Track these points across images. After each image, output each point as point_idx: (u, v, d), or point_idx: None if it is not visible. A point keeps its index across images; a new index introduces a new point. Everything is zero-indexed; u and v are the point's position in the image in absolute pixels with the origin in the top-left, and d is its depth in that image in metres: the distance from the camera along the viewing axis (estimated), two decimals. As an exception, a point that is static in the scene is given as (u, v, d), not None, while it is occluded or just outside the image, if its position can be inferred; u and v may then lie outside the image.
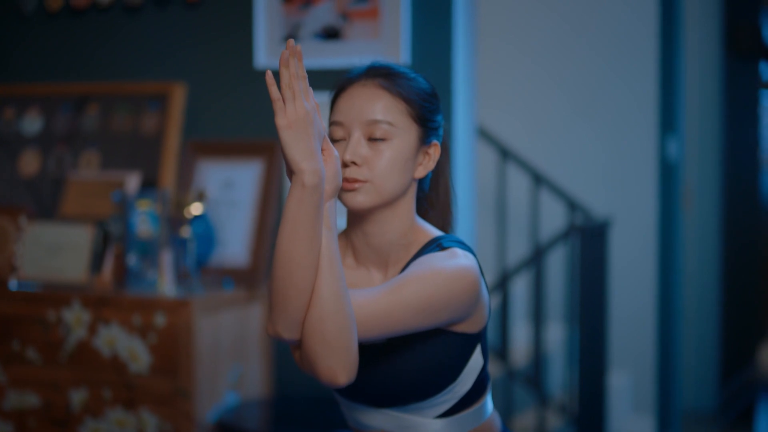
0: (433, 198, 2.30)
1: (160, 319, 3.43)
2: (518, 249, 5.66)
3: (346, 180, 2.09)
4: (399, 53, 3.63)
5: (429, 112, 2.17)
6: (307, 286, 1.91)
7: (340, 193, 2.10)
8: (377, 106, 2.11)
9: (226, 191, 3.88)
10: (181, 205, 3.67)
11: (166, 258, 3.61)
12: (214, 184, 3.89)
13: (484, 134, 5.07)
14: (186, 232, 3.62)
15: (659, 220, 5.50)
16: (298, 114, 1.89)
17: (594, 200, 5.50)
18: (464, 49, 3.73)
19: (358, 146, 2.09)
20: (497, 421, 2.30)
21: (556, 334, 5.54)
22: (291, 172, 1.90)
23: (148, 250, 3.64)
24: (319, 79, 3.77)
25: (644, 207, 5.50)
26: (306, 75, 1.92)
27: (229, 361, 3.63)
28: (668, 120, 5.60)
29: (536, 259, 4.64)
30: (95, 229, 3.71)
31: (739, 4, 7.00)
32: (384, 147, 2.10)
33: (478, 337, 2.16)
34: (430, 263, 2.04)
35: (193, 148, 3.96)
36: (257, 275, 3.77)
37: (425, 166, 2.18)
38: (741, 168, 7.28)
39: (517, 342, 5.48)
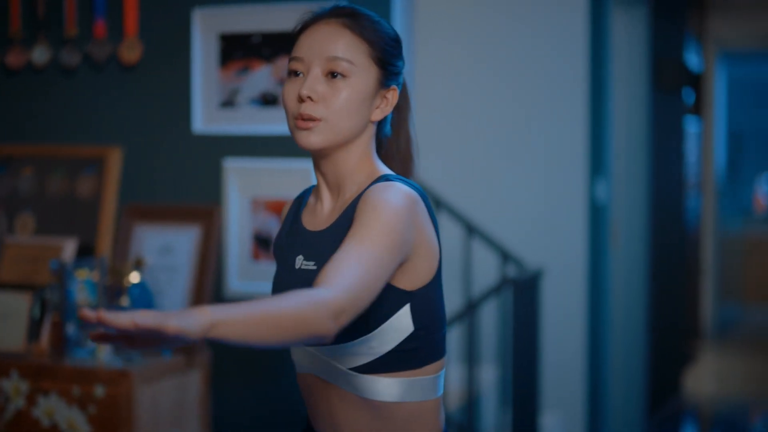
0: (394, 145, 2.29)
1: (99, 390, 3.43)
2: (451, 298, 5.68)
3: (300, 117, 2.07)
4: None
5: (390, 56, 2.15)
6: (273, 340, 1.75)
7: (294, 131, 2.11)
8: (339, 44, 2.09)
9: (164, 256, 3.88)
10: (119, 273, 3.67)
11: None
12: (152, 249, 3.89)
13: (416, 183, 5.08)
14: (124, 301, 3.62)
15: (589, 263, 5.58)
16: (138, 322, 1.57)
17: (526, 247, 5.56)
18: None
19: (315, 82, 2.07)
20: (440, 419, 2.18)
21: (488, 375, 5.59)
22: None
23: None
24: (255, 145, 3.82)
25: (574, 251, 5.57)
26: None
27: (168, 428, 3.63)
28: (597, 162, 5.68)
29: (469, 312, 4.69)
30: (33, 297, 3.69)
31: (664, 39, 7.12)
32: (342, 85, 2.08)
33: (410, 297, 2.06)
34: (372, 201, 2.00)
35: (130, 213, 3.95)
36: (195, 342, 3.76)
37: (382, 110, 2.16)
38: (667, 198, 7.40)
39: (449, 383, 5.52)
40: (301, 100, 2.08)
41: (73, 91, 4.06)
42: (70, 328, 3.64)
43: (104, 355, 3.59)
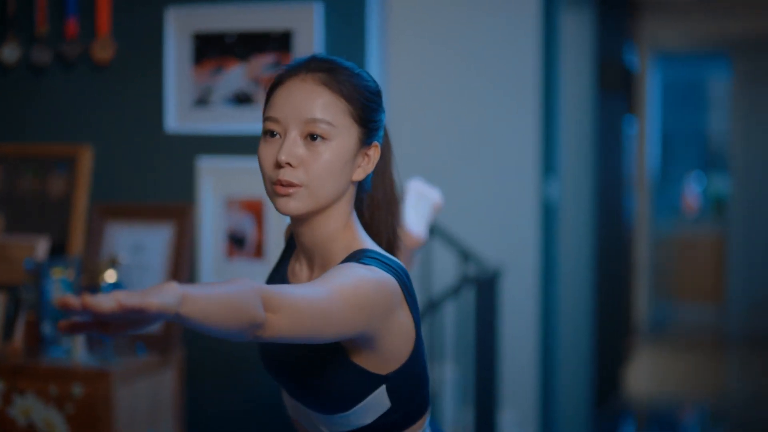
0: (377, 198, 2.20)
1: (77, 390, 3.42)
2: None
3: (279, 183, 1.98)
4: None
5: (371, 112, 2.05)
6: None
7: (272, 196, 2.01)
8: (316, 104, 1.99)
9: (137, 255, 3.88)
10: (95, 272, 3.67)
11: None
12: (124, 248, 3.88)
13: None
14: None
15: (542, 262, 5.64)
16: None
17: (481, 246, 5.61)
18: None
19: (294, 146, 1.97)
20: None
21: (447, 374, 5.63)
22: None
23: (62, 318, 3.62)
24: (229, 144, 3.82)
25: (527, 250, 5.63)
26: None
27: (144, 427, 3.63)
28: (549, 161, 5.75)
29: (430, 311, 4.73)
30: (7, 297, 3.67)
31: (607, 41, 7.23)
32: (322, 148, 1.98)
33: (384, 379, 2.02)
34: (351, 270, 1.91)
35: (101, 212, 3.94)
36: (170, 340, 3.77)
37: (364, 169, 2.07)
38: (610, 197, 7.50)
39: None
40: (279, 165, 1.98)
41: (44, 90, 4.04)
42: (46, 327, 3.62)
43: (80, 354, 3.58)
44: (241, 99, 3.80)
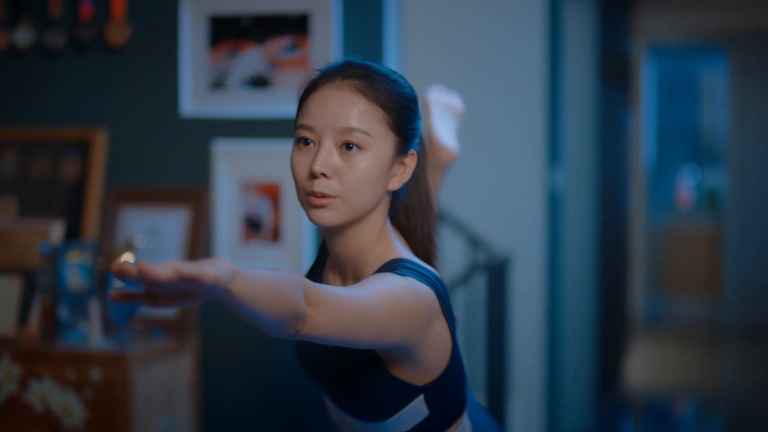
0: (412, 205, 2.15)
1: (95, 373, 3.39)
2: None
3: (313, 194, 1.93)
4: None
5: (408, 120, 1.99)
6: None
7: (306, 207, 1.96)
8: (353, 112, 1.93)
9: (152, 239, 3.85)
10: (112, 255, 3.64)
11: (94, 310, 3.58)
12: (139, 233, 3.85)
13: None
14: (119, 283, 3.58)
15: (548, 251, 5.63)
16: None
17: (488, 234, 5.60)
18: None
19: (329, 156, 1.92)
20: None
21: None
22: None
23: (79, 303, 3.59)
24: (245, 127, 3.80)
25: (533, 239, 5.62)
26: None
27: (161, 412, 3.61)
28: (554, 151, 5.75)
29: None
30: (22, 281, 3.64)
31: (608, 33, 7.23)
32: (358, 158, 1.92)
33: (422, 390, 1.97)
34: (391, 279, 1.86)
35: (116, 196, 3.91)
36: (186, 324, 3.75)
37: (400, 178, 2.02)
38: (611, 188, 7.50)
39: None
40: (313, 176, 1.93)
41: (58, 74, 4.01)
42: (63, 312, 3.59)
43: (96, 338, 3.55)
44: (258, 82, 3.78)
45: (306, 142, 1.96)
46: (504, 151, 5.72)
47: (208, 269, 1.42)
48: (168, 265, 1.39)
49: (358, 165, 1.93)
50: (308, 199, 1.94)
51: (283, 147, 3.71)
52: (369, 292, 1.78)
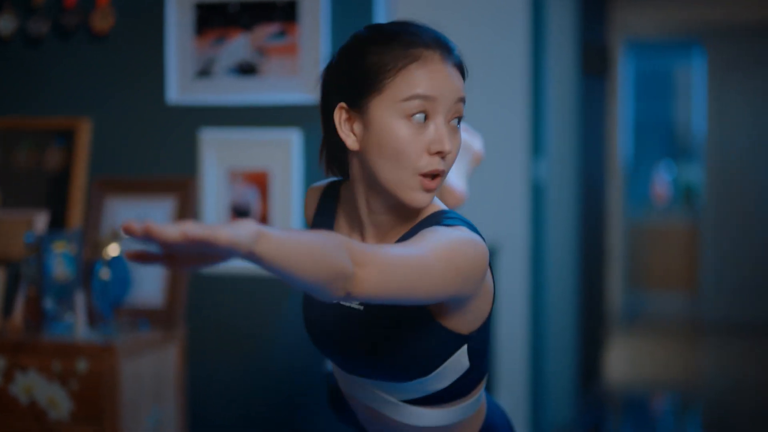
0: None
1: (82, 365, 3.34)
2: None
3: (430, 174, 1.84)
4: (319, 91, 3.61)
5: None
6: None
7: (411, 190, 1.84)
8: (459, 83, 1.90)
9: (138, 229, 3.78)
10: (98, 246, 3.58)
11: (80, 301, 3.52)
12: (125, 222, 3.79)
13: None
14: (105, 274, 3.53)
15: (531, 243, 5.61)
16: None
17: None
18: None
19: (448, 132, 1.85)
20: (483, 412, 2.11)
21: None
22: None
23: (64, 293, 3.53)
24: (233, 115, 3.75)
25: (517, 231, 5.59)
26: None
27: (149, 404, 3.56)
28: (537, 143, 5.72)
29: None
30: (5, 272, 3.58)
31: (589, 26, 7.23)
32: (459, 133, 1.88)
33: (467, 339, 1.91)
34: (442, 232, 1.78)
35: (101, 186, 3.85)
36: (173, 315, 3.69)
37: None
38: (592, 182, 7.49)
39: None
40: (434, 154, 1.83)
41: (41, 62, 3.95)
42: (48, 303, 3.53)
43: (82, 329, 3.50)
44: (245, 69, 3.73)
45: (420, 116, 1.85)
46: (487, 142, 5.67)
47: (221, 231, 1.38)
48: (177, 227, 1.37)
49: (458, 140, 1.88)
50: (421, 181, 1.84)
51: (271, 135, 3.66)
52: (422, 248, 1.72)
